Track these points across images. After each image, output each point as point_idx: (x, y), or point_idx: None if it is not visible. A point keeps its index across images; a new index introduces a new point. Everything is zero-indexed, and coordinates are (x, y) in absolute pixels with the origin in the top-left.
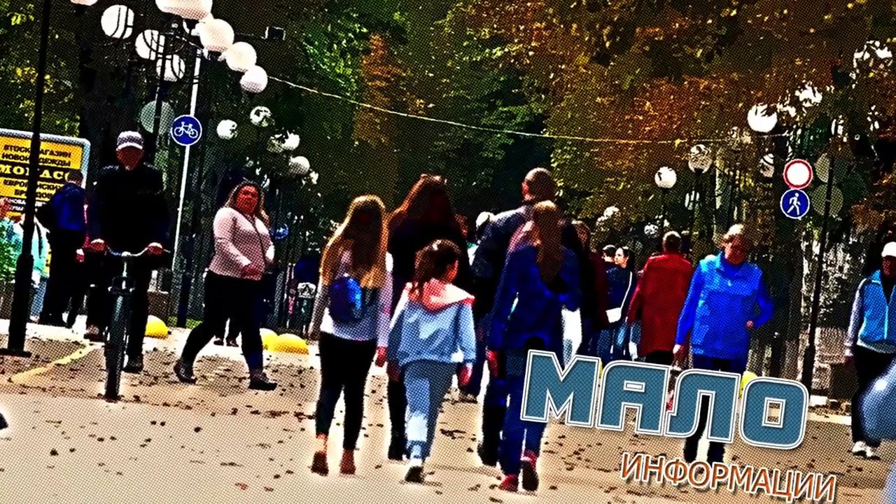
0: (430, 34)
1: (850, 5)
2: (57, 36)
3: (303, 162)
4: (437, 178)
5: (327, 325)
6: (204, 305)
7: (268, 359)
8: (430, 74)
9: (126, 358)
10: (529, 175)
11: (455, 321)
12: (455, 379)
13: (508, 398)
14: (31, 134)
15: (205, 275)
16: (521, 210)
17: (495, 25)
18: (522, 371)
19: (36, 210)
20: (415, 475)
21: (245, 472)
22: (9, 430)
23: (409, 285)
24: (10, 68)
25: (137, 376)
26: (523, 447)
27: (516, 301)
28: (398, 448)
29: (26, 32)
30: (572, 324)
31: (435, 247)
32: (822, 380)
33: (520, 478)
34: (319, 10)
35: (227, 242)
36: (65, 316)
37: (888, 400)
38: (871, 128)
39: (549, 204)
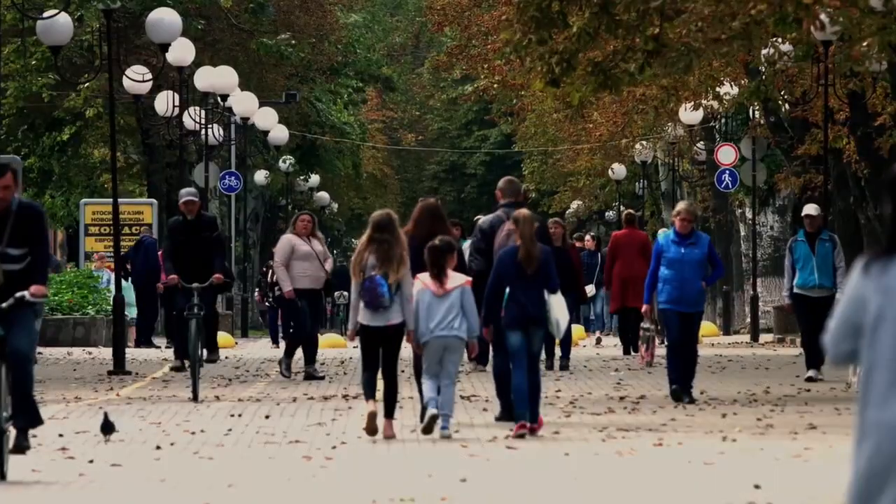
0: (413, 81)
1: (753, 11)
2: (122, 121)
3: (324, 195)
4: (432, 200)
5: (363, 317)
6: (282, 316)
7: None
8: (417, 113)
9: (205, 353)
10: (501, 182)
11: (460, 301)
12: (465, 354)
13: (513, 366)
14: (111, 200)
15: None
16: (500, 212)
17: (464, 67)
18: (521, 343)
19: (128, 260)
20: (432, 421)
21: (308, 447)
22: (119, 433)
23: (420, 276)
24: (89, 151)
25: (216, 380)
26: (527, 419)
27: (509, 290)
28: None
29: (98, 122)
30: (558, 305)
31: (437, 242)
32: (767, 321)
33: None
34: (323, 73)
35: (279, 266)
36: (155, 340)
37: (837, 334)
38: (783, 109)
39: (525, 212)
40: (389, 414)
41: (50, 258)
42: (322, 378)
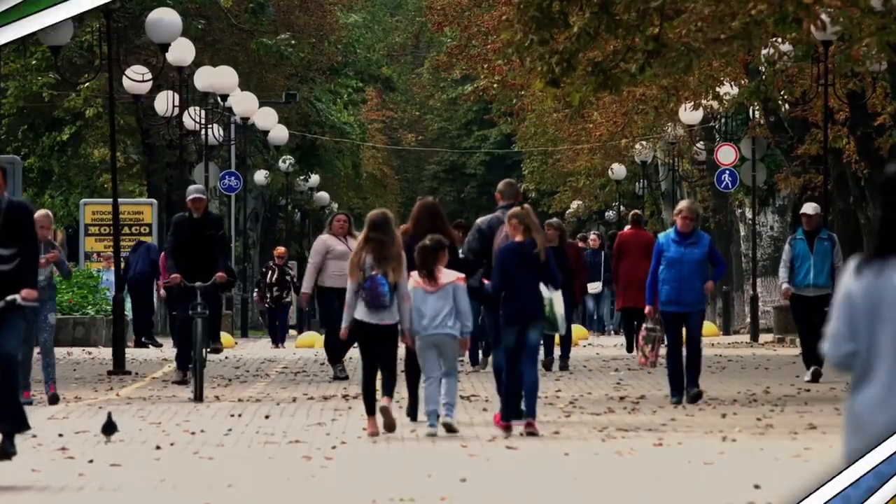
0: (413, 80)
1: (753, 11)
2: (122, 121)
3: (324, 195)
4: (431, 198)
5: (360, 313)
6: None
7: (315, 355)
8: (417, 113)
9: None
10: (501, 185)
11: (453, 297)
12: (466, 353)
13: (506, 363)
14: (110, 200)
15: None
16: (498, 213)
17: (464, 67)
18: (516, 341)
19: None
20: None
21: (308, 447)
22: (121, 433)
23: (413, 273)
24: (89, 151)
25: (216, 380)
26: (524, 414)
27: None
28: (413, 409)
29: (98, 122)
30: (559, 301)
31: (427, 241)
32: (766, 321)
33: (515, 426)
34: (323, 73)
35: (310, 265)
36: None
37: (837, 336)
38: (783, 109)
39: (524, 206)
40: (388, 393)
41: (62, 265)
42: (346, 378)
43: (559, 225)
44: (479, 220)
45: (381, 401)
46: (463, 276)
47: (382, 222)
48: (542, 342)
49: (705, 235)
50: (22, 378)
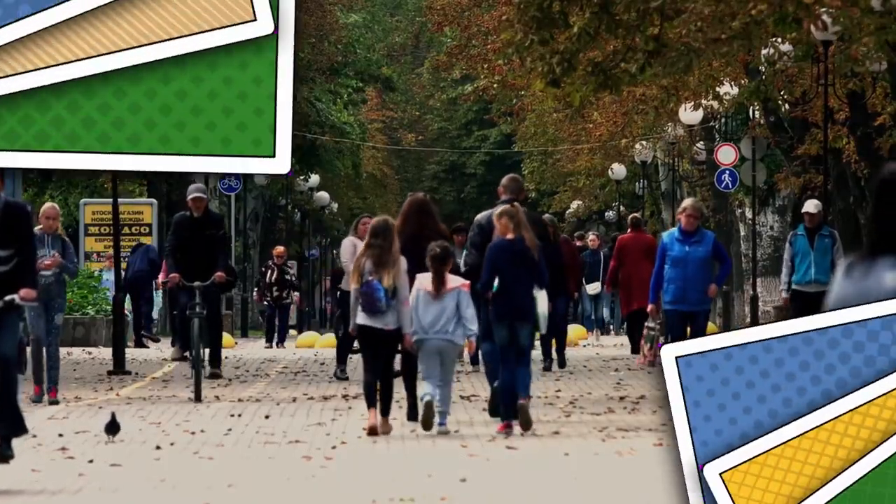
0: (413, 80)
1: (753, 11)
2: None
3: (324, 195)
4: (421, 195)
5: (361, 318)
6: (339, 315)
7: (315, 355)
8: (417, 113)
9: (209, 368)
10: (504, 180)
11: (456, 303)
12: (466, 354)
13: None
14: (111, 200)
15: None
16: (499, 208)
17: (464, 67)
18: (507, 340)
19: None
20: (429, 408)
21: (308, 447)
22: (121, 433)
23: (419, 277)
24: None
25: (216, 379)
26: (518, 394)
27: (498, 283)
28: (413, 411)
29: None
30: (542, 300)
31: (437, 250)
32: (766, 321)
33: (515, 426)
34: (323, 73)
35: (348, 264)
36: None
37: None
38: (783, 109)
39: (514, 204)
40: (385, 412)
41: (68, 268)
42: (347, 378)
43: (552, 221)
44: (478, 216)
45: (381, 420)
46: (468, 283)
47: (383, 229)
48: (538, 342)
49: (709, 233)
50: (35, 371)
